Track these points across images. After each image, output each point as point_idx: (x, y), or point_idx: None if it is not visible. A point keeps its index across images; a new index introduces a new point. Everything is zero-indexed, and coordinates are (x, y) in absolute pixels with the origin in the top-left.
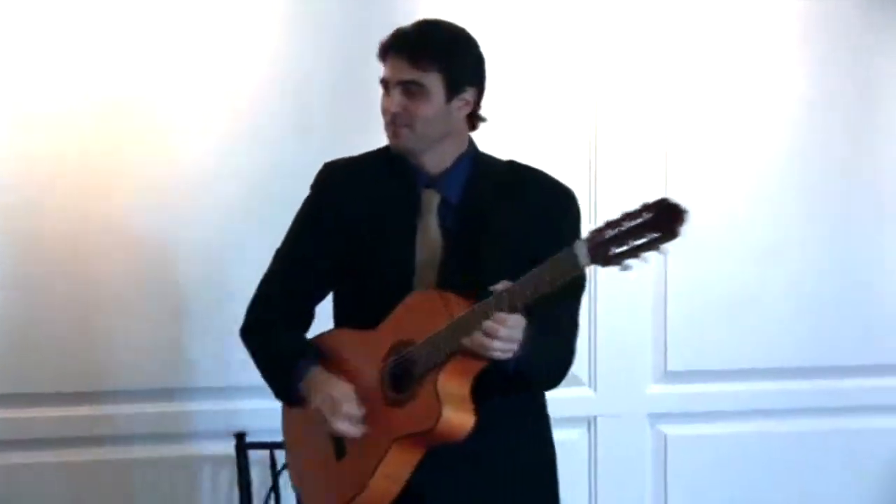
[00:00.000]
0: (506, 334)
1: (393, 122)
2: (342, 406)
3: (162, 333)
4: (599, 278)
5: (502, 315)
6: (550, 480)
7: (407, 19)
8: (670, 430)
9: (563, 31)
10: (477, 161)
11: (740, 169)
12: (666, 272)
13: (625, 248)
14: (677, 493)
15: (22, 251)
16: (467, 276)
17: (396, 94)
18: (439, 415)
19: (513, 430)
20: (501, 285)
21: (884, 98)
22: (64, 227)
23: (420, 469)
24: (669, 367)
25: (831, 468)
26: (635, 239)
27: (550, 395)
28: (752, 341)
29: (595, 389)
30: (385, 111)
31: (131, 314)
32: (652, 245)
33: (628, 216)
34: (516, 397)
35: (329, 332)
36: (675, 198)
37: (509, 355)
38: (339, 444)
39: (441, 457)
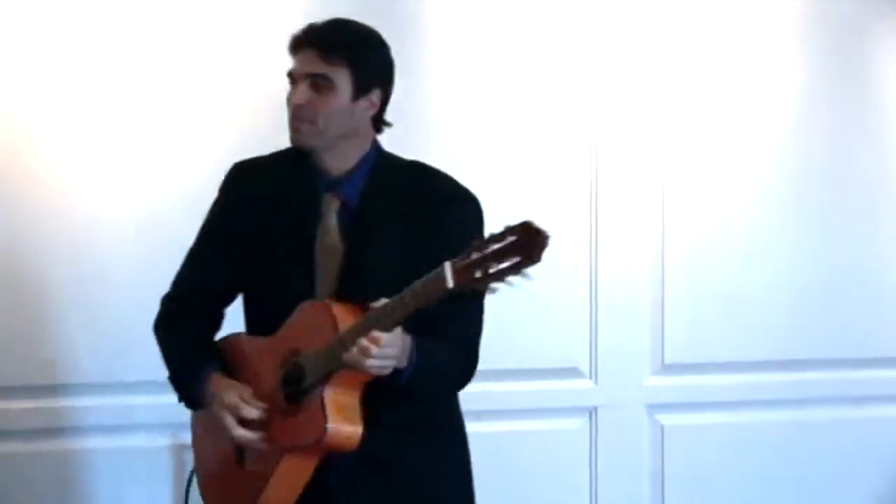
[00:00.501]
0: (378, 353)
1: (295, 117)
2: (241, 411)
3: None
4: (601, 277)
5: (376, 334)
6: (465, 480)
7: (410, 21)
8: (667, 420)
9: (561, 31)
10: (378, 163)
11: (734, 174)
12: (663, 270)
13: (489, 271)
14: (674, 481)
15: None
16: (363, 282)
17: (303, 88)
18: (324, 428)
19: (424, 432)
20: (380, 302)
21: (867, 104)
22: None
23: (329, 474)
24: (666, 360)
25: (823, 456)
26: (499, 263)
27: (552, 386)
28: (746, 335)
29: (595, 381)
30: (289, 103)
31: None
32: (513, 270)
33: (493, 239)
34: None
35: (232, 336)
36: (538, 222)
37: (388, 371)
38: (240, 450)
39: (350, 462)
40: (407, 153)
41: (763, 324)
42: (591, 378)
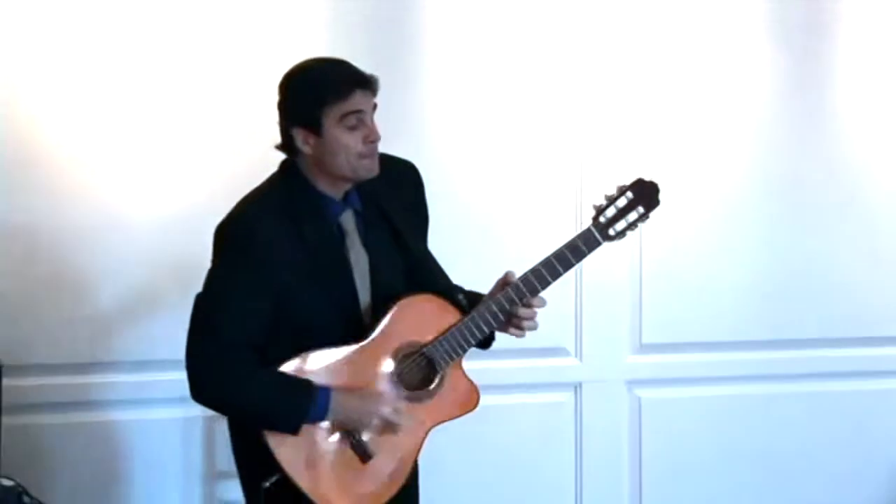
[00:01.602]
0: (536, 314)
1: (373, 151)
2: (401, 406)
3: (169, 312)
4: (585, 267)
5: (537, 299)
6: None
7: (409, 31)
8: (645, 394)
9: (549, 35)
10: None
11: (706, 174)
12: (641, 259)
13: (622, 225)
14: (651, 449)
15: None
16: (391, 276)
17: (373, 122)
18: (477, 397)
19: None
20: (523, 273)
21: (827, 105)
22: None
23: None
24: (644, 341)
25: (786, 427)
26: (628, 215)
27: (541, 363)
28: (715, 318)
29: (581, 359)
30: (375, 138)
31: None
32: (642, 218)
33: (614, 198)
34: None
35: (294, 360)
36: (647, 176)
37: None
38: (363, 450)
39: None
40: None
41: (731, 308)
42: (576, 356)
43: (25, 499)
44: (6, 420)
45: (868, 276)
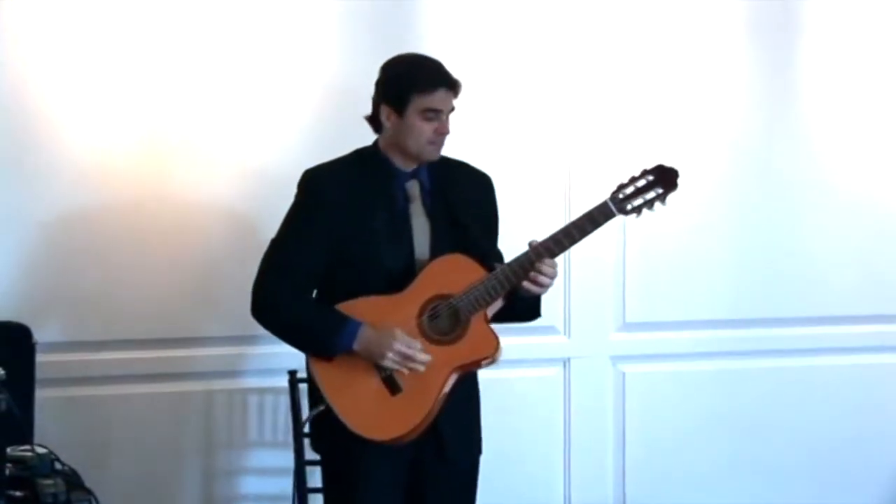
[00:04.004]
0: (554, 274)
1: (439, 142)
2: (414, 344)
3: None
4: (573, 252)
5: (552, 260)
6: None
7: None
8: (628, 369)
9: (534, 44)
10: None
11: (685, 164)
12: (624, 242)
13: (639, 201)
14: (633, 419)
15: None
16: (451, 245)
17: (447, 119)
18: (497, 345)
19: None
20: (543, 239)
21: (796, 101)
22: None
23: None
24: (628, 319)
25: (758, 400)
26: (646, 194)
27: (533, 341)
28: (694, 298)
29: (569, 336)
30: (444, 132)
31: (216, 275)
32: (660, 198)
33: (636, 179)
34: None
35: (348, 302)
36: (668, 162)
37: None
38: (392, 383)
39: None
40: None
41: (708, 288)
42: (565, 334)
43: (57, 465)
44: (44, 393)
45: (839, 259)
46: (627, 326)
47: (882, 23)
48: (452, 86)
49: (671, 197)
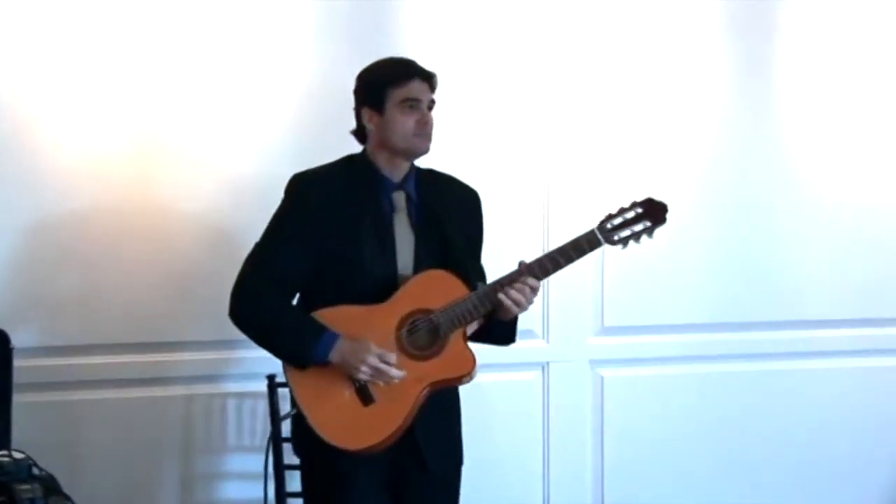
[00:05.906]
0: (533, 296)
1: (427, 132)
2: (389, 358)
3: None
4: None
5: (535, 282)
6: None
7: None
8: (607, 373)
9: (517, 50)
10: (418, 171)
11: (663, 170)
12: (603, 250)
13: (627, 233)
14: (611, 423)
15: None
16: (434, 259)
17: (427, 110)
18: (473, 364)
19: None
20: (532, 260)
21: (774, 104)
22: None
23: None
24: (606, 324)
25: (735, 403)
26: (634, 226)
27: (512, 346)
28: (671, 303)
29: (548, 341)
30: (426, 121)
31: (195, 280)
32: (648, 231)
33: (625, 210)
34: None
35: (326, 309)
36: (658, 196)
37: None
38: (365, 394)
39: (428, 406)
40: None
41: (686, 292)
42: (543, 338)
43: (35, 470)
44: (21, 398)
45: (816, 263)
46: (606, 330)
47: (858, 27)
48: (427, 77)
49: (658, 231)
